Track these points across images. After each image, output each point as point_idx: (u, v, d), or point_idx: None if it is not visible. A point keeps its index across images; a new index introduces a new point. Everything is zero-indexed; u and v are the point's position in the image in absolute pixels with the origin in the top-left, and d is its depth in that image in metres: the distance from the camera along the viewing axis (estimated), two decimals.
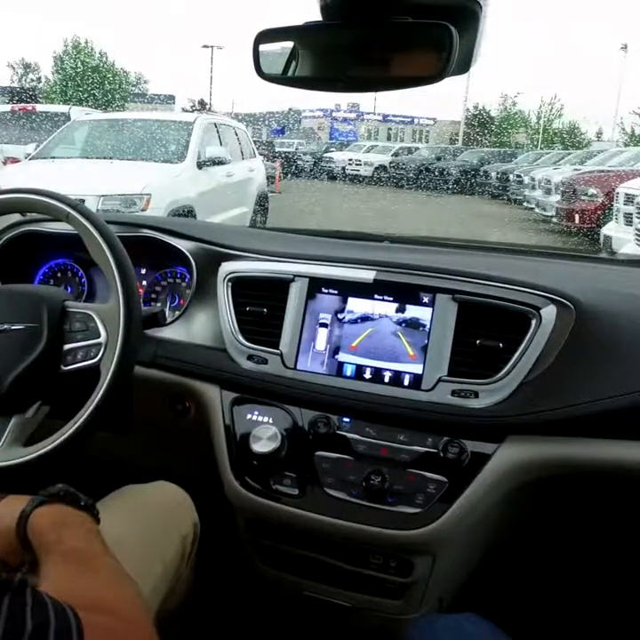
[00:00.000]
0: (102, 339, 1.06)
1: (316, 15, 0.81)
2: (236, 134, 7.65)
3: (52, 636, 0.57)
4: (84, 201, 5.20)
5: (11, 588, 0.58)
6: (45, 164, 6.27)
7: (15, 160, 7.28)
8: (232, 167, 6.79)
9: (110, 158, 6.34)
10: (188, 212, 5.73)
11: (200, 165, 6.27)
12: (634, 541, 1.35)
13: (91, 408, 1.01)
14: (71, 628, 0.59)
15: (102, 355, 1.05)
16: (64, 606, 0.61)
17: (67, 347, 1.07)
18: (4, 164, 7.22)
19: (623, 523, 1.33)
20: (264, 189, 8.05)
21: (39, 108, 9.40)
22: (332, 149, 24.36)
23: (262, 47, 0.89)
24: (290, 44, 0.87)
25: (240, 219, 6.83)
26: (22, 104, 10.49)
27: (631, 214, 6.05)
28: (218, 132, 7.08)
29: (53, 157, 6.51)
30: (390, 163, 20.65)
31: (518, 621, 1.09)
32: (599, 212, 8.34)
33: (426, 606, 1.17)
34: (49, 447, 1.01)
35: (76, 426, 1.01)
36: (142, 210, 5.25)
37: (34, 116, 8.78)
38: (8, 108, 9.53)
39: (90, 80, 30.48)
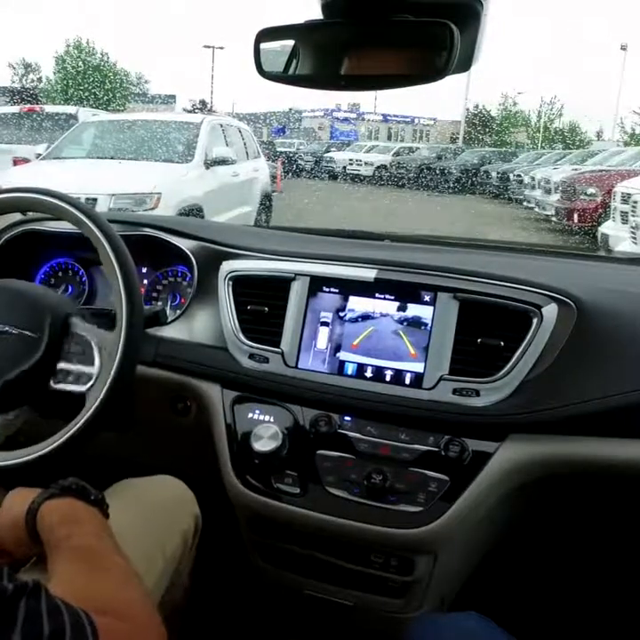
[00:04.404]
0: (95, 369, 1.04)
1: (316, 14, 0.81)
2: (241, 135, 7.76)
3: None
4: (96, 200, 5.35)
5: (26, 592, 0.58)
6: (56, 165, 6.36)
7: (26, 160, 7.32)
8: (237, 167, 6.89)
9: (120, 158, 6.44)
10: (197, 211, 5.82)
11: (207, 165, 6.36)
12: (635, 540, 1.35)
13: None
14: (86, 634, 0.59)
15: (91, 385, 1.03)
16: (78, 611, 0.61)
17: (60, 365, 1.06)
18: (15, 164, 7.25)
19: (624, 521, 1.32)
20: (268, 189, 8.13)
21: (47, 108, 9.44)
22: (332, 149, 24.35)
23: (263, 46, 0.89)
24: (290, 43, 0.87)
25: (245, 217, 6.92)
26: (30, 105, 10.54)
27: (628, 213, 6.11)
28: (224, 132, 7.19)
29: (63, 158, 6.61)
30: (391, 162, 20.65)
31: (520, 620, 1.09)
32: (599, 211, 8.36)
33: (427, 605, 1.17)
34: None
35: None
36: (152, 208, 5.33)
37: (41, 117, 8.82)
38: (16, 108, 9.57)
39: (91, 79, 30.52)
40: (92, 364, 1.05)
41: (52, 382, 1.06)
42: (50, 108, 9.47)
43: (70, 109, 9.34)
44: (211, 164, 6.39)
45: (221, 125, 7.29)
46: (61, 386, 1.06)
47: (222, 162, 6.50)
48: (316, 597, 1.22)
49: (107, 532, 0.84)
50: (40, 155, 7.10)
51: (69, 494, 0.86)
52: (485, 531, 1.18)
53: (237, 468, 1.16)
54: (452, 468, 1.07)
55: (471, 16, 0.78)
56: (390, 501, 1.08)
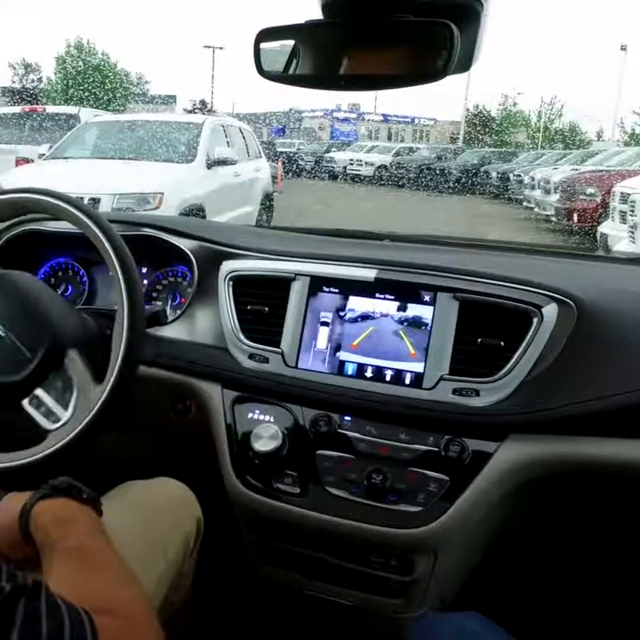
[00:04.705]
0: (66, 415, 1.02)
1: (316, 14, 0.81)
2: (242, 135, 7.83)
3: None
4: (99, 200, 5.38)
5: (25, 592, 0.58)
6: (59, 165, 6.45)
7: (28, 160, 7.37)
8: (239, 167, 6.95)
9: (122, 158, 6.51)
10: (199, 211, 5.87)
11: (209, 165, 6.44)
12: (635, 540, 1.35)
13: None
14: (86, 633, 0.59)
15: (56, 428, 1.01)
16: (78, 609, 0.61)
17: (38, 391, 1.03)
18: (17, 164, 7.31)
19: (624, 521, 1.32)
20: (269, 189, 8.20)
21: (49, 109, 9.57)
22: (333, 149, 24.36)
23: (263, 45, 0.89)
24: (290, 42, 0.87)
25: (247, 217, 6.99)
26: (31, 105, 10.60)
27: (626, 212, 6.18)
28: (225, 132, 7.28)
29: (66, 158, 6.68)
30: (391, 163, 20.65)
31: (520, 620, 1.08)
32: (598, 211, 8.41)
33: (427, 605, 1.17)
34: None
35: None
36: (155, 208, 5.39)
37: (43, 118, 8.88)
38: (18, 109, 9.64)
39: (90, 79, 30.54)
40: (66, 408, 1.02)
41: (23, 401, 1.03)
42: (52, 109, 9.59)
43: (72, 110, 9.47)
44: (213, 164, 6.46)
45: (223, 126, 7.37)
46: (31, 411, 1.03)
47: (224, 162, 6.57)
48: (317, 597, 1.22)
49: (100, 530, 0.83)
50: (43, 155, 7.19)
51: (62, 494, 0.85)
52: (485, 530, 1.18)
53: (237, 467, 1.15)
54: (451, 468, 1.07)
55: (471, 16, 0.78)
56: (390, 501, 1.08)
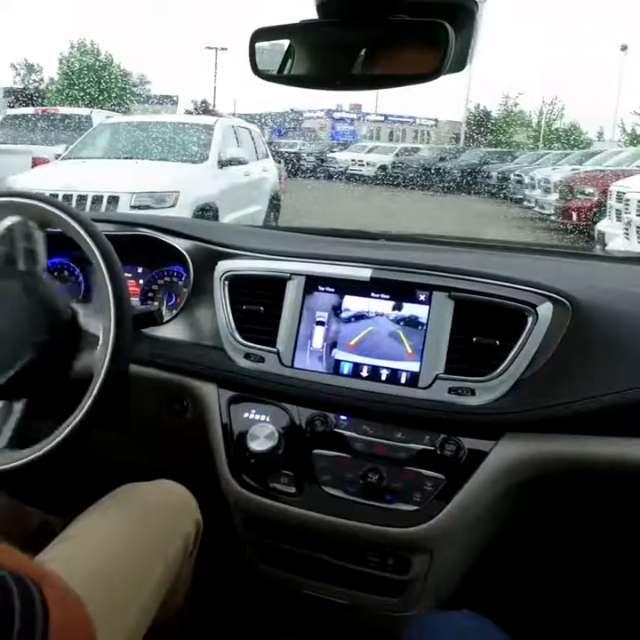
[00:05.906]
0: None
1: (312, 13, 0.81)
2: (251, 136, 8.02)
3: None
4: (118, 198, 5.44)
5: None
6: (77, 164, 6.60)
7: (45, 161, 7.51)
8: (249, 167, 7.11)
9: (137, 158, 6.67)
10: (212, 209, 6.03)
11: (221, 165, 6.59)
12: (633, 539, 1.35)
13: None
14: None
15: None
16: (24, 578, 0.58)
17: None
18: (34, 164, 7.41)
19: (621, 520, 1.33)
20: (277, 188, 8.35)
21: (61, 110, 9.82)
22: (334, 150, 24.36)
23: (258, 45, 0.89)
24: (286, 42, 0.88)
25: (256, 216, 7.16)
26: (45, 107, 10.93)
27: (622, 210, 6.32)
28: (235, 134, 7.47)
29: (83, 158, 6.82)
30: (392, 163, 20.64)
31: (517, 619, 1.09)
32: (595, 210, 8.50)
33: (424, 604, 1.17)
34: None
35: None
36: (171, 206, 5.53)
37: (51, 118, 9.10)
38: (32, 110, 9.92)
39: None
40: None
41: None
42: (64, 110, 9.89)
43: (84, 111, 9.74)
44: (224, 164, 6.61)
45: (233, 127, 7.58)
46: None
47: (235, 162, 6.72)
48: (313, 597, 1.22)
49: None
50: (59, 155, 7.33)
51: None
52: (481, 529, 1.18)
53: (233, 467, 1.16)
54: (447, 467, 1.07)
55: (466, 16, 0.78)
56: (386, 500, 1.08)
